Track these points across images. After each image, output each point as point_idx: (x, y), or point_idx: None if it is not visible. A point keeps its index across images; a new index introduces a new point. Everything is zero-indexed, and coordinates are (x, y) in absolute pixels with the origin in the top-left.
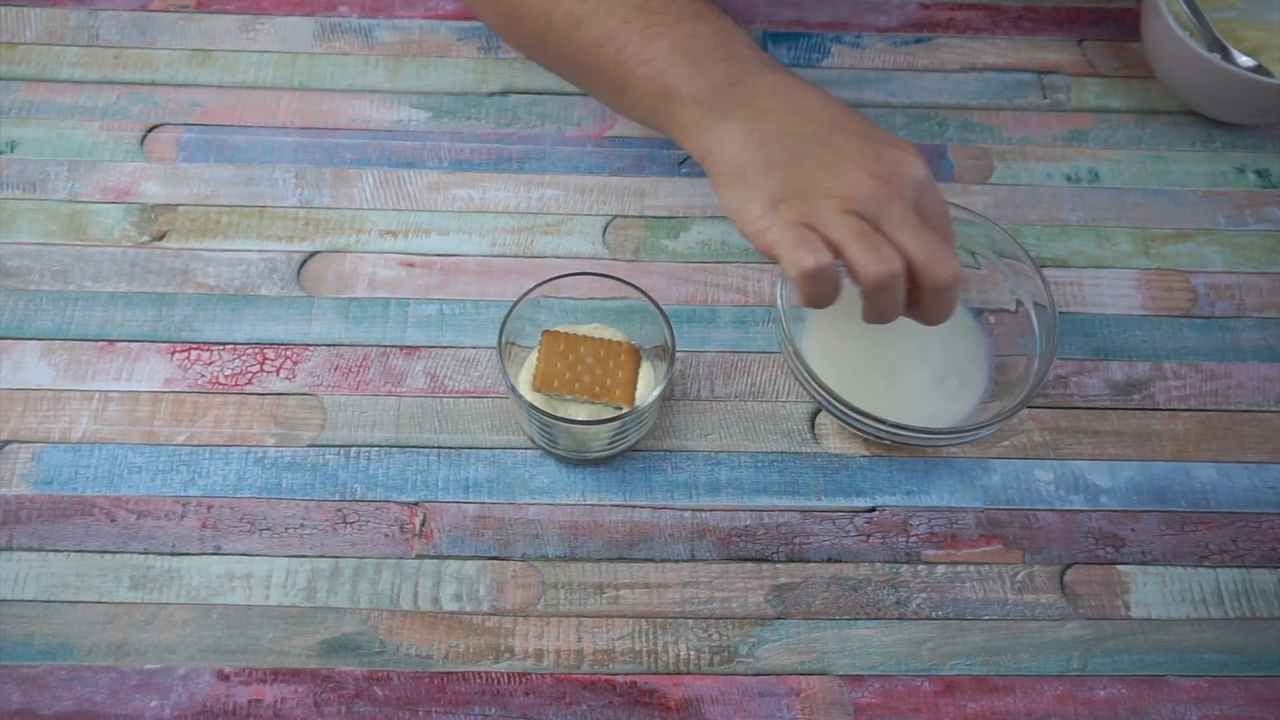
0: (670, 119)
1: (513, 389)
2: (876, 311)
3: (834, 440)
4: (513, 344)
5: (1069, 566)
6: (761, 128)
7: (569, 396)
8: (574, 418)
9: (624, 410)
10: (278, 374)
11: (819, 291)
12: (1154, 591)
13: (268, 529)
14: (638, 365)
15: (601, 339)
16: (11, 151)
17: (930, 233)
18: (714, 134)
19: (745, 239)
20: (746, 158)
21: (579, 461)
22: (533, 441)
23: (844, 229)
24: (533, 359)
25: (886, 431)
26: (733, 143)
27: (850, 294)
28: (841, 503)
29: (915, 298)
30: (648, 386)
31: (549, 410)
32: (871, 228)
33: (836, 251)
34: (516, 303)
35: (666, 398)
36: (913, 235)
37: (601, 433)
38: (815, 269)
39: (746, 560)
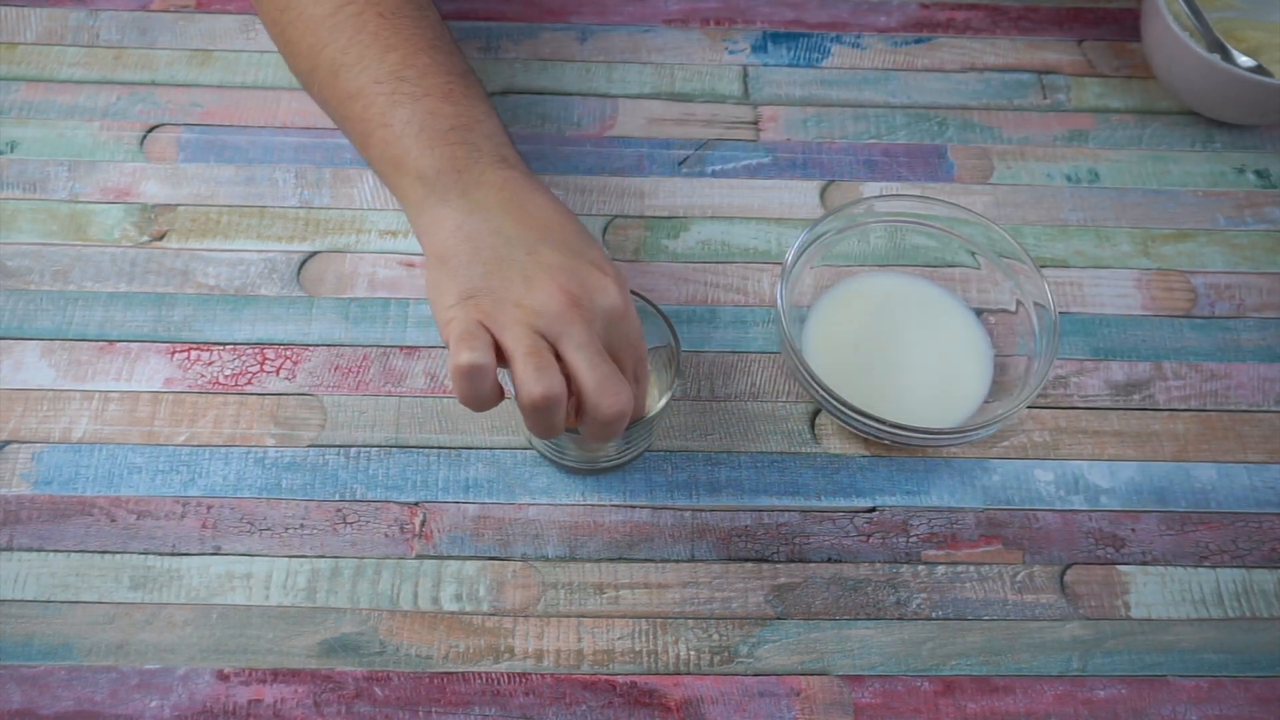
0: (397, 188)
1: (515, 399)
2: (534, 426)
3: (834, 440)
4: None
5: (1069, 566)
6: (474, 222)
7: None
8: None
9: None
10: (278, 374)
11: (471, 390)
12: (1154, 591)
13: (268, 529)
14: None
15: None
16: (11, 151)
17: (607, 364)
18: (430, 216)
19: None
20: (454, 247)
21: (587, 472)
22: (538, 452)
23: (517, 340)
24: None
25: (886, 431)
26: (445, 229)
27: (849, 294)
28: (841, 503)
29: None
30: (653, 393)
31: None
32: (548, 346)
33: (505, 360)
34: None
35: None
36: (586, 362)
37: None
38: (468, 367)
39: (746, 560)
